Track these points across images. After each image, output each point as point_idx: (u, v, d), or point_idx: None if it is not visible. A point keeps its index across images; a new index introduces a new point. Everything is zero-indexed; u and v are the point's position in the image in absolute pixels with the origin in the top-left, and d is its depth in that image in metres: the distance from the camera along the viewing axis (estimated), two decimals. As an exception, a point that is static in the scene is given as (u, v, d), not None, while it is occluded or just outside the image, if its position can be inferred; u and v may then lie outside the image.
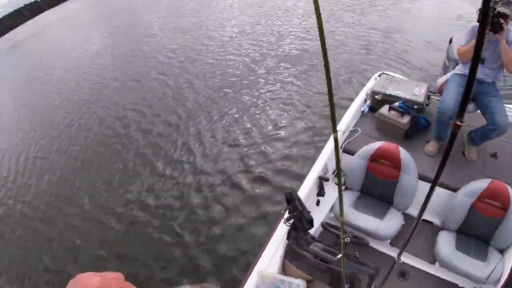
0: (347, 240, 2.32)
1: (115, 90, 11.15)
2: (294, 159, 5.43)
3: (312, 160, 4.96)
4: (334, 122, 0.86)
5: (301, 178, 4.56)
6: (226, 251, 4.31)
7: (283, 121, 6.51)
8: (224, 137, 6.61)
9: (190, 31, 14.68)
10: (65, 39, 25.86)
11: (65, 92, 13.06)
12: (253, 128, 6.57)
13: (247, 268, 3.74)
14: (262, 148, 5.89)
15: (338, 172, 1.09)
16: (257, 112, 7.09)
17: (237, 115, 7.20)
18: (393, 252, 2.95)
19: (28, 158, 8.99)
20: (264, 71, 8.82)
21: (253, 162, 5.63)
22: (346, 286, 1.73)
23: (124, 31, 19.75)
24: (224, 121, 7.14)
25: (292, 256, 2.22)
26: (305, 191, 2.91)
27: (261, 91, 7.88)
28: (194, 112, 7.85)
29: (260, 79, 8.44)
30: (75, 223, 5.74)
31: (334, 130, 0.88)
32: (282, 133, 6.19)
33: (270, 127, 6.45)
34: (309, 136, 5.82)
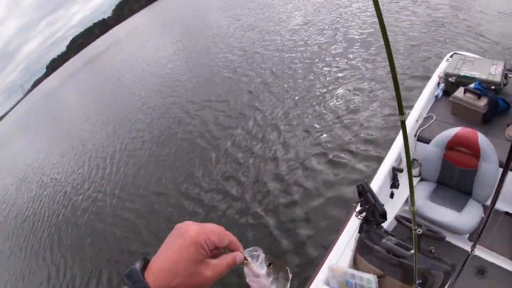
0: (419, 231, 2.18)
1: (195, 87, 11.97)
2: (372, 128, 5.64)
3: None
4: (400, 104, 0.80)
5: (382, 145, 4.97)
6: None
7: (358, 99, 6.58)
8: (304, 113, 7.00)
9: (257, 27, 15.23)
10: (136, 50, 28.21)
11: (146, 94, 14.39)
12: (331, 107, 6.80)
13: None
14: (344, 121, 6.15)
15: (408, 158, 1.03)
16: (333, 92, 7.22)
17: (315, 97, 7.42)
18: (471, 248, 2.72)
19: (122, 151, 10.25)
20: (334, 54, 8.91)
21: (332, 138, 5.90)
22: (417, 282, 1.63)
23: (192, 35, 20.99)
24: (304, 99, 7.50)
25: (364, 250, 2.14)
26: (378, 182, 2.79)
27: (334, 73, 7.99)
28: (272, 98, 8.25)
29: (332, 62, 8.56)
30: (171, 201, 6.44)
31: (401, 113, 0.82)
32: (360, 104, 6.38)
33: (345, 106, 6.61)
34: (389, 107, 5.85)
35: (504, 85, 3.29)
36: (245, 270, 0.60)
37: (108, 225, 6.96)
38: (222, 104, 9.32)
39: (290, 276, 0.65)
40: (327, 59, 8.82)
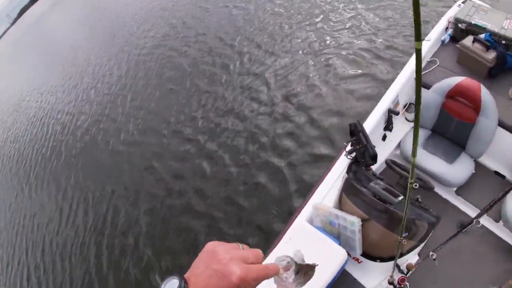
0: (416, 186, 2.00)
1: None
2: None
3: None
4: (418, 28, 0.59)
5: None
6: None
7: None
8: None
9: None
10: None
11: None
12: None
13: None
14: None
15: (418, 97, 0.80)
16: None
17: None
18: (458, 202, 2.62)
19: (139, 54, 9.95)
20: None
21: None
22: (403, 235, 1.51)
23: None
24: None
25: (350, 191, 1.98)
26: (372, 123, 2.58)
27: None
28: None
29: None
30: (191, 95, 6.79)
31: (418, 39, 0.61)
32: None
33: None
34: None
35: (516, 41, 3.04)
36: (275, 277, 0.63)
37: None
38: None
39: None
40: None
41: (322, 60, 5.89)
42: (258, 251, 0.60)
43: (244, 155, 4.81)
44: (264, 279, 0.58)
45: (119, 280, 4.37)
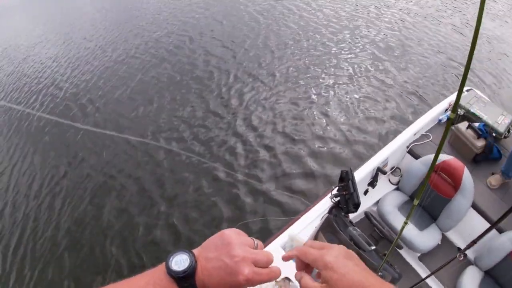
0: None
1: None
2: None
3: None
4: (458, 100, 0.72)
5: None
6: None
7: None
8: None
9: None
10: None
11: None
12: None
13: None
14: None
15: (438, 153, 0.96)
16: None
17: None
18: (418, 267, 2.77)
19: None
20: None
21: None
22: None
23: None
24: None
25: (328, 230, 2.12)
26: (359, 177, 2.75)
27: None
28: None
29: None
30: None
31: (454, 111, 0.74)
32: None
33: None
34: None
35: (505, 137, 3.30)
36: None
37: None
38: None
39: None
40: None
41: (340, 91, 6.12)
42: (270, 256, 0.61)
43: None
44: (267, 282, 0.59)
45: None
